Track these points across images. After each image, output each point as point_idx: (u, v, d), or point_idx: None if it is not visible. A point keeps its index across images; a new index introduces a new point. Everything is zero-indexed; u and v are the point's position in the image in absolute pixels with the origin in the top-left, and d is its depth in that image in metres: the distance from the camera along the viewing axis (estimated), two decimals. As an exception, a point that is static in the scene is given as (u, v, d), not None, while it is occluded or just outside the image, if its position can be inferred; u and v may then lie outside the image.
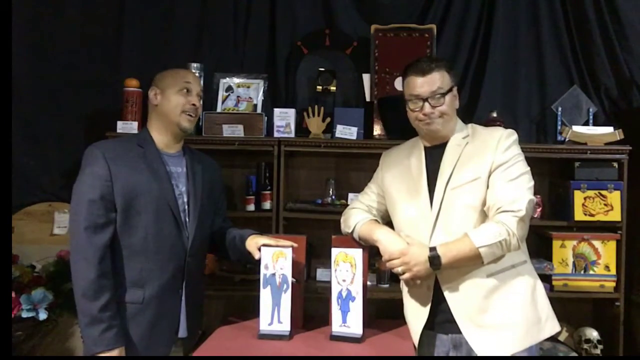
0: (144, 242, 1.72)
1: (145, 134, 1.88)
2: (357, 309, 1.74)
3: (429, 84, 1.78)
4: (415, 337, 1.76)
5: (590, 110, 2.68)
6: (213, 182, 1.99)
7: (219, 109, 2.69)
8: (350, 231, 1.89)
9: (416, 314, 1.77)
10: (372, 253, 1.89)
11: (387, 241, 1.76)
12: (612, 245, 2.53)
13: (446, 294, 1.71)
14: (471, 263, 1.66)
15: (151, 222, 1.73)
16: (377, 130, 2.64)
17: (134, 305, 1.72)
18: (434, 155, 1.81)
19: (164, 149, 1.87)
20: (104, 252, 1.66)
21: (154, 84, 1.90)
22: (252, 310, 1.86)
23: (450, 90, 1.79)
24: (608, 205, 2.51)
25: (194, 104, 1.85)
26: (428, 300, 1.74)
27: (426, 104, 1.77)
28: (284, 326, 1.74)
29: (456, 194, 1.72)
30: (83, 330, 1.64)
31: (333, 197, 2.68)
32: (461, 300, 1.69)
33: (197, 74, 2.37)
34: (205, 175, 1.93)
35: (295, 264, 1.78)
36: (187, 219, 1.83)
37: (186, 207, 1.84)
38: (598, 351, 2.49)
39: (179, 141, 1.91)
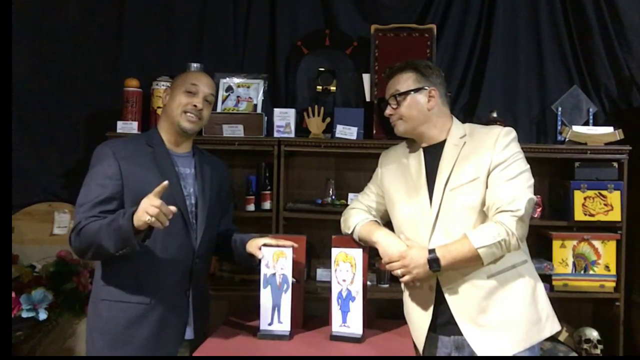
0: (152, 242, 1.71)
1: (155, 134, 1.88)
2: (357, 309, 1.74)
3: (389, 87, 1.84)
4: (421, 339, 1.75)
5: (590, 110, 2.68)
6: (221, 184, 1.99)
7: (219, 109, 2.68)
8: (350, 232, 1.89)
9: (419, 316, 1.77)
10: (372, 253, 1.89)
11: (386, 243, 1.75)
12: (612, 245, 2.52)
13: (447, 295, 1.71)
14: (471, 264, 1.65)
15: None
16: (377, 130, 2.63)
17: (142, 306, 1.72)
18: (432, 155, 1.80)
19: (172, 149, 1.87)
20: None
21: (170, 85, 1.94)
22: (252, 310, 1.86)
23: (415, 91, 1.78)
24: (608, 205, 2.51)
25: (195, 105, 1.83)
26: (431, 301, 1.73)
27: (388, 106, 1.80)
28: (284, 326, 1.74)
29: (455, 194, 1.71)
30: (110, 240, 1.60)
31: (333, 197, 2.68)
32: (462, 301, 1.69)
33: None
34: (213, 177, 1.93)
35: (295, 264, 1.78)
36: (195, 220, 1.83)
37: (194, 208, 1.84)
38: (598, 351, 2.49)
39: (185, 142, 1.91)
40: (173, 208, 1.55)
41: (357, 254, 1.77)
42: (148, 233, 1.60)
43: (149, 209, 1.50)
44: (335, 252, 1.80)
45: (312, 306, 2.02)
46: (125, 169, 1.73)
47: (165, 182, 1.55)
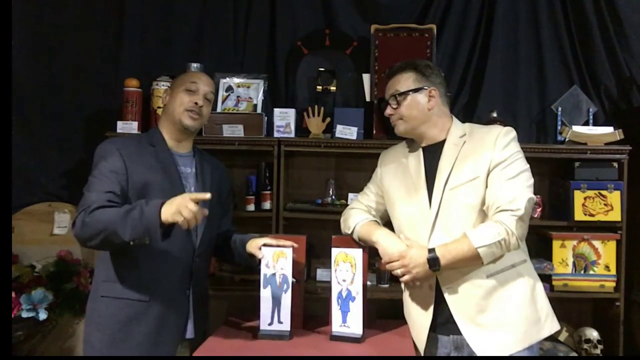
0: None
1: (156, 134, 1.89)
2: (357, 309, 1.74)
3: (389, 87, 1.84)
4: (422, 339, 1.75)
5: (590, 110, 2.68)
6: (221, 184, 2.00)
7: (219, 109, 2.68)
8: (349, 232, 1.89)
9: (420, 316, 1.77)
10: (372, 253, 1.88)
11: (386, 243, 1.75)
12: (612, 245, 2.52)
13: (446, 294, 1.71)
14: (471, 264, 1.65)
15: None
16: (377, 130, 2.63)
17: (141, 303, 1.72)
18: (432, 155, 1.80)
19: (174, 148, 1.88)
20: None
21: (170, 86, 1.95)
22: (252, 310, 1.86)
23: (415, 91, 1.78)
24: (608, 205, 2.51)
25: (196, 103, 1.85)
26: (431, 301, 1.73)
27: (388, 106, 1.80)
28: (284, 326, 1.74)
29: (455, 193, 1.71)
30: (126, 227, 1.56)
31: (333, 197, 2.68)
32: (461, 301, 1.69)
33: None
34: (214, 177, 1.95)
35: (295, 264, 1.78)
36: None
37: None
38: (598, 351, 2.49)
39: (187, 141, 1.92)
40: (205, 211, 1.56)
41: (357, 254, 1.77)
42: (168, 230, 1.57)
43: (184, 210, 1.49)
44: (335, 252, 1.80)
45: (312, 306, 2.02)
46: (130, 166, 1.74)
47: (208, 195, 1.55)
